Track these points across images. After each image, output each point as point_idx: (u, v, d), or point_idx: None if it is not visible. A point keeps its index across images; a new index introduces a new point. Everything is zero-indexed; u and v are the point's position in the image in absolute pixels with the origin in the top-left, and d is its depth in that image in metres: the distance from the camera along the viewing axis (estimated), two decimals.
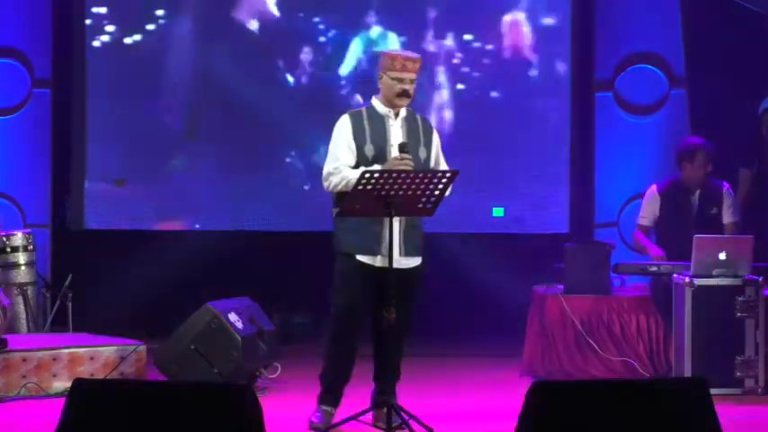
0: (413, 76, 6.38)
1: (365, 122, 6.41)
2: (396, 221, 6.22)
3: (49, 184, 9.87)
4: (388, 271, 6.17)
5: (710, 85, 9.50)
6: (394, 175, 5.99)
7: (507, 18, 10.00)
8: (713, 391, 4.33)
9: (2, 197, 9.75)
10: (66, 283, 8.60)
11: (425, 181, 6.03)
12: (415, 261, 6.45)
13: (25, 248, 8.79)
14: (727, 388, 7.37)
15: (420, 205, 6.13)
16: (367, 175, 5.98)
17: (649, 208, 8.38)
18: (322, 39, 9.95)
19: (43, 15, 9.84)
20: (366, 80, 9.29)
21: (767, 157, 8.75)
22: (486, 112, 10.00)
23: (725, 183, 8.35)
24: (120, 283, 9.53)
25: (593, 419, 4.13)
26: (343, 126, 6.44)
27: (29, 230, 9.04)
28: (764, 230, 8.34)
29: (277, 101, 9.92)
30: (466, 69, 10.00)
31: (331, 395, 6.54)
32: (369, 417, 6.38)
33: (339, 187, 6.34)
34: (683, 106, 9.75)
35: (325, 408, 6.52)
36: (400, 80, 6.36)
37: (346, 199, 6.16)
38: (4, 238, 8.76)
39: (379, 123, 6.41)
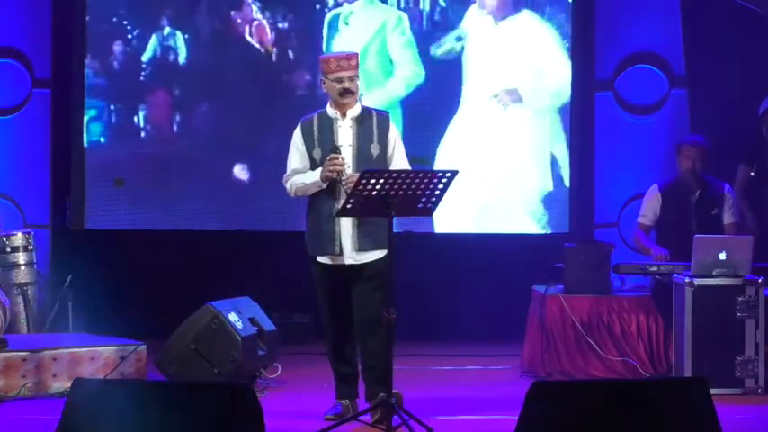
0: (351, 73, 6.52)
1: (314, 127, 6.59)
2: (347, 219, 6.41)
3: (49, 184, 9.87)
4: (345, 267, 6.47)
5: (710, 85, 9.50)
6: (394, 175, 6.02)
7: (508, 18, 9.99)
8: (713, 391, 4.33)
9: (2, 197, 9.74)
10: (66, 283, 8.59)
11: (425, 181, 6.03)
12: (373, 255, 6.50)
13: (25, 248, 8.79)
14: (727, 388, 7.36)
15: (420, 205, 6.14)
16: (366, 176, 5.99)
17: (650, 207, 8.38)
18: None
19: (43, 15, 9.83)
20: None
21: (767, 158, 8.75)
22: (487, 112, 9.98)
23: (725, 184, 8.35)
24: (120, 283, 9.52)
25: (593, 419, 4.13)
26: (295, 134, 6.70)
27: (29, 230, 9.04)
28: (765, 231, 8.34)
29: (278, 100, 9.92)
30: (466, 69, 9.99)
31: (344, 387, 6.71)
32: (368, 417, 6.39)
33: (295, 191, 6.62)
34: (683, 106, 9.74)
35: (341, 401, 6.69)
36: (339, 80, 6.51)
37: (346, 199, 6.18)
38: (4, 238, 8.76)
39: (327, 127, 6.58)
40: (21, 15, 9.80)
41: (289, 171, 6.68)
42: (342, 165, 6.40)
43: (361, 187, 6.01)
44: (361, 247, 6.48)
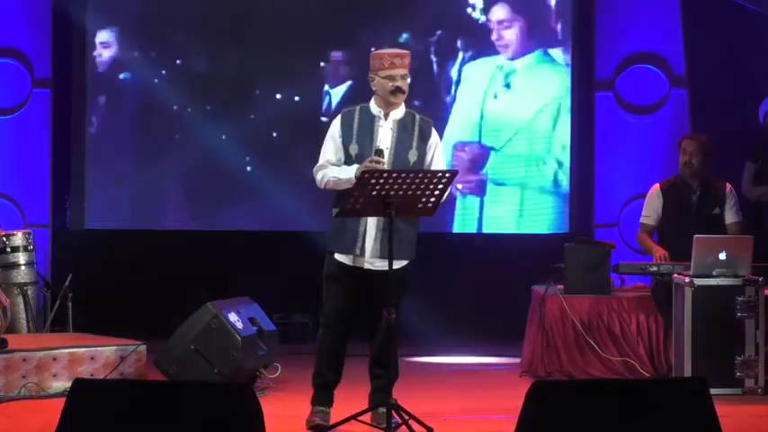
0: (403, 71, 6.40)
1: (355, 122, 6.45)
2: (373, 221, 6.30)
3: (49, 184, 9.87)
4: (364, 271, 6.31)
5: (710, 85, 9.50)
6: (394, 174, 5.99)
7: (508, 18, 10.00)
8: (713, 391, 4.33)
9: (2, 197, 9.74)
10: (66, 283, 8.59)
11: (425, 181, 6.02)
12: (394, 264, 6.23)
13: (25, 248, 8.79)
14: (727, 388, 7.36)
15: (420, 205, 6.12)
16: (366, 175, 5.98)
17: (652, 207, 8.37)
18: None
19: (43, 15, 9.84)
20: None
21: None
22: (487, 112, 9.99)
23: (727, 183, 8.35)
24: (121, 283, 9.53)
25: (593, 419, 4.13)
26: (334, 124, 6.53)
27: (29, 230, 9.04)
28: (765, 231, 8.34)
29: (280, 100, 9.93)
30: (466, 69, 9.99)
31: (324, 394, 6.56)
32: (368, 417, 6.38)
33: (325, 184, 6.45)
34: (683, 106, 9.75)
35: (320, 408, 6.53)
36: (391, 78, 6.38)
37: (346, 199, 6.16)
38: (4, 238, 8.76)
39: (368, 123, 6.44)
40: (21, 15, 9.81)
41: (322, 161, 6.48)
42: (382, 168, 6.20)
43: (360, 187, 5.99)
44: (384, 254, 6.25)
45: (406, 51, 6.52)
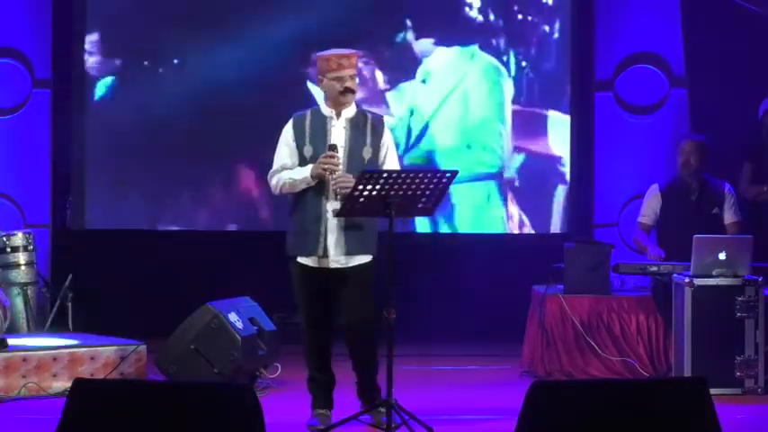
0: (351, 72, 6.39)
1: (307, 124, 6.44)
2: (333, 221, 6.28)
3: (49, 184, 9.86)
4: (329, 270, 6.32)
5: (710, 85, 9.50)
6: (394, 175, 6.00)
7: (508, 18, 10.00)
8: (713, 391, 4.33)
9: (2, 197, 9.74)
10: (67, 283, 8.59)
11: (425, 181, 6.02)
12: (359, 260, 6.36)
13: (25, 248, 8.79)
14: (727, 388, 7.37)
15: (420, 205, 6.13)
16: (367, 176, 5.99)
17: (650, 207, 8.38)
18: None
19: (43, 15, 9.83)
20: None
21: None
22: (486, 112, 9.99)
23: (726, 183, 8.35)
24: (120, 283, 9.52)
25: (593, 419, 4.13)
26: (286, 129, 6.51)
27: (29, 230, 9.04)
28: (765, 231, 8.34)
29: (282, 102, 9.92)
30: (466, 68, 9.99)
31: (322, 397, 6.55)
32: (368, 417, 6.39)
33: (280, 188, 6.43)
34: (683, 106, 9.75)
35: (320, 411, 6.52)
36: (339, 79, 6.36)
37: (347, 199, 6.16)
38: (4, 238, 8.76)
39: (320, 125, 6.42)
40: (21, 15, 9.80)
41: (276, 166, 6.47)
42: (337, 164, 6.24)
43: (360, 187, 5.99)
44: (348, 250, 6.30)
45: (353, 52, 6.49)
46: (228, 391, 4.19)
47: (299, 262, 6.44)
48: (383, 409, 6.18)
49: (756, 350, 7.48)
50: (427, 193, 6.06)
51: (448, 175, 6.09)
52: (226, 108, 9.95)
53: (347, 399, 6.58)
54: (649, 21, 9.83)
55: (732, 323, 7.48)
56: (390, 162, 6.46)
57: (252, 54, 9.95)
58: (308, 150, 6.39)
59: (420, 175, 6.06)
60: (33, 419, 6.67)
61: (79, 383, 4.19)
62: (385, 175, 6.00)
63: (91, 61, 9.94)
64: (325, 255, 6.34)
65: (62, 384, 7.21)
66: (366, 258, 6.40)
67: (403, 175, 6.01)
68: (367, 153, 6.42)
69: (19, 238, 8.79)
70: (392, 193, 5.98)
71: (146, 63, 9.96)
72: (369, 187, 5.97)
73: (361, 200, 6.01)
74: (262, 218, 9.98)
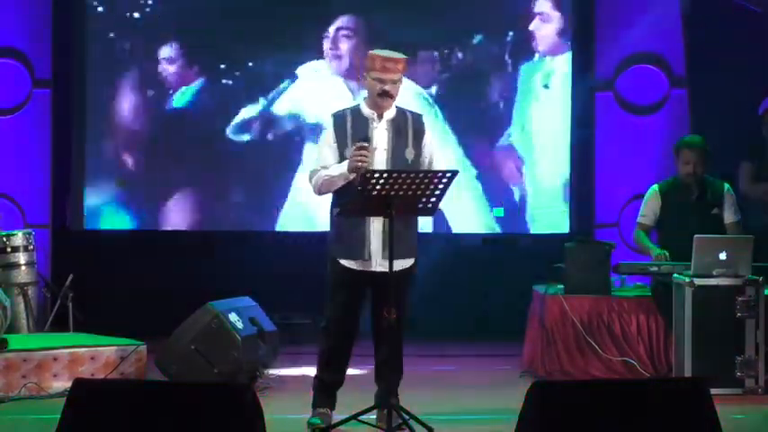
0: (394, 76, 6.33)
1: (348, 124, 6.39)
2: (378, 224, 6.25)
3: (49, 184, 9.87)
4: (374, 274, 6.25)
5: (710, 85, 9.50)
6: (394, 174, 5.99)
7: (509, 18, 10.02)
8: (713, 391, 4.33)
9: (2, 197, 9.74)
10: (67, 283, 8.59)
11: (425, 181, 6.02)
12: (401, 264, 6.32)
13: (25, 248, 8.79)
14: (727, 388, 7.36)
15: (420, 205, 6.13)
16: (367, 175, 5.98)
17: (650, 207, 8.37)
18: None
19: (43, 15, 9.83)
20: None
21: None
22: (487, 112, 10.00)
23: (725, 183, 8.34)
24: (121, 283, 9.53)
25: (594, 419, 4.13)
26: (326, 127, 6.48)
27: (29, 230, 9.04)
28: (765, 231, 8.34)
29: (284, 103, 9.94)
30: (466, 68, 10.00)
31: (325, 397, 6.54)
32: (369, 417, 6.38)
33: (319, 187, 6.39)
34: (683, 106, 9.75)
35: (321, 410, 6.51)
36: (381, 81, 6.32)
37: (348, 199, 6.16)
38: (4, 238, 8.75)
39: (361, 125, 6.38)
40: (21, 15, 9.81)
41: (316, 166, 6.41)
42: (367, 155, 6.17)
43: (361, 187, 5.99)
44: (394, 254, 6.14)
45: (401, 56, 6.39)
46: (228, 391, 4.19)
47: (341, 264, 6.38)
48: (384, 410, 6.18)
49: (756, 350, 7.48)
50: (427, 193, 6.06)
51: (448, 175, 6.08)
52: (227, 108, 9.96)
53: (347, 398, 6.57)
54: (649, 21, 9.83)
55: (732, 323, 7.48)
56: (437, 162, 6.45)
57: (257, 53, 9.95)
58: (349, 152, 6.31)
59: (420, 175, 6.06)
60: (33, 419, 6.67)
61: (79, 383, 4.19)
62: (385, 175, 5.99)
63: (91, 61, 9.94)
64: (370, 258, 6.31)
65: (62, 384, 7.21)
66: (409, 262, 6.41)
67: (403, 175, 6.00)
68: (410, 154, 6.40)
69: (19, 238, 8.79)
70: (392, 193, 5.98)
71: (147, 63, 9.96)
72: (369, 187, 5.96)
73: (362, 199, 6.01)
74: (262, 218, 9.97)
